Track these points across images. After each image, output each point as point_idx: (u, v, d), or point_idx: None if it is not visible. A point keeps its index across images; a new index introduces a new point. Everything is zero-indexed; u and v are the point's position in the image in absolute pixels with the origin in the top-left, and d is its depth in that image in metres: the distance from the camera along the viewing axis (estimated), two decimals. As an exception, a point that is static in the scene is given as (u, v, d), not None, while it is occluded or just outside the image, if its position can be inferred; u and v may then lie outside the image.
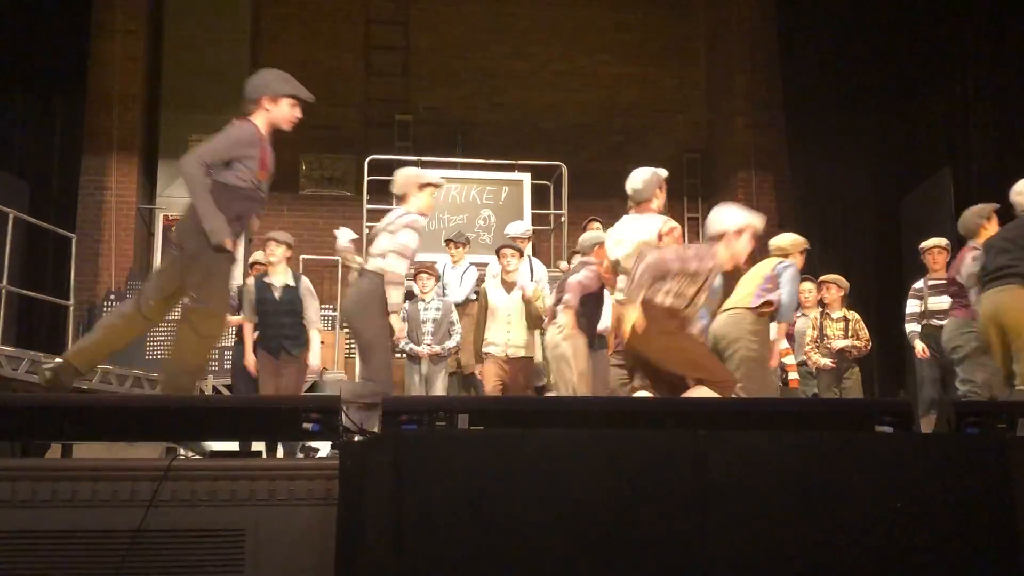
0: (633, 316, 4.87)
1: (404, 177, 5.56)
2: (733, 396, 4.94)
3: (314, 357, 6.84)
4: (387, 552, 2.80)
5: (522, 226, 8.27)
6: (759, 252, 6.72)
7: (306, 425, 3.27)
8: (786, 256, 6.16)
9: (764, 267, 6.09)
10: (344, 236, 5.96)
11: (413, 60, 12.04)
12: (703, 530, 2.90)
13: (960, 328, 6.16)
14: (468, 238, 8.60)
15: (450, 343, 7.53)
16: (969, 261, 5.99)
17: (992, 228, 6.08)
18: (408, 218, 5.37)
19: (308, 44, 11.94)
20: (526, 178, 10.49)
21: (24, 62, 9.84)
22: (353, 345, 9.94)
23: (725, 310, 5.91)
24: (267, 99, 4.50)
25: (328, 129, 11.45)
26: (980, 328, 5.77)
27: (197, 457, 4.04)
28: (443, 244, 8.63)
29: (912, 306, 7.29)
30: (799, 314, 7.78)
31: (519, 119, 12.03)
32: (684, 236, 11.29)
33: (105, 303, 10.03)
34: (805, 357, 7.79)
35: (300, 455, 5.71)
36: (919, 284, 7.34)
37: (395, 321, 5.28)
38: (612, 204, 11.69)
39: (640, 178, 5.66)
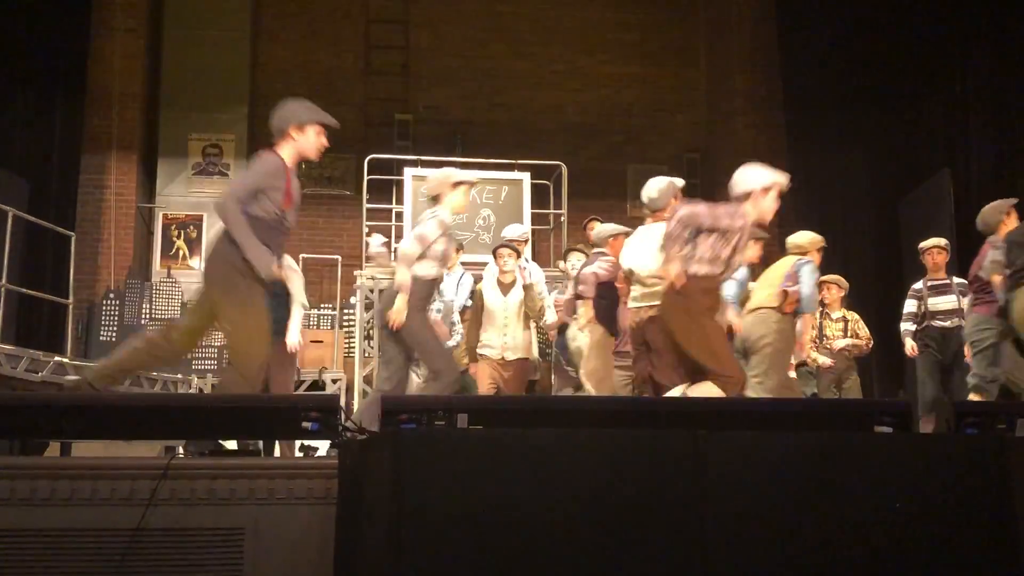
0: (673, 271, 4.86)
1: (436, 178, 5.56)
2: (736, 394, 4.95)
3: (292, 335, 6.40)
4: (386, 551, 2.80)
5: (519, 229, 8.26)
6: (777, 252, 6.79)
7: (305, 424, 3.27)
8: (804, 254, 6.34)
9: (783, 266, 6.24)
10: (376, 241, 5.97)
11: (413, 59, 12.04)
12: (702, 530, 2.90)
13: (980, 324, 6.21)
14: (461, 243, 8.55)
15: (451, 343, 7.48)
16: (991, 254, 6.04)
17: (1012, 223, 6.14)
18: (433, 213, 5.42)
19: (308, 43, 11.95)
20: (526, 178, 10.48)
21: (24, 60, 9.84)
22: (352, 345, 9.96)
23: (750, 310, 6.00)
24: (294, 128, 4.57)
25: (327, 128, 11.43)
26: (999, 325, 5.85)
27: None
28: None
29: (909, 306, 7.31)
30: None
31: (519, 119, 12.03)
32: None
33: (104, 301, 10.04)
34: (805, 357, 7.80)
35: (299, 454, 5.72)
36: (918, 285, 7.35)
37: (399, 300, 5.25)
38: (612, 204, 11.75)
39: (656, 187, 5.68)
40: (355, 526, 3.03)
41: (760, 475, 2.99)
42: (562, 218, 10.61)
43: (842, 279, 8.05)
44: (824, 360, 7.71)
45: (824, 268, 8.76)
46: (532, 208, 10.36)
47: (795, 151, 10.76)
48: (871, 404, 5.02)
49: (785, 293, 6.02)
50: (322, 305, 10.52)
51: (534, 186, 10.48)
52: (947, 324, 7.11)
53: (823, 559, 2.96)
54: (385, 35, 12.07)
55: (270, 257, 4.35)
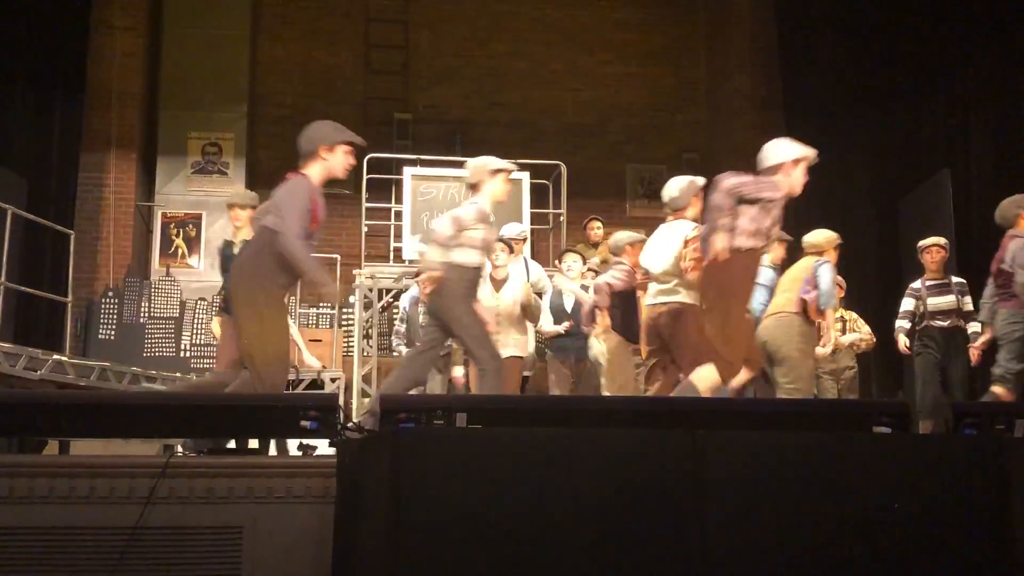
0: (719, 244, 4.87)
1: (476, 166, 5.54)
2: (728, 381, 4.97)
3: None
4: (384, 550, 2.79)
5: (517, 227, 8.25)
6: (796, 253, 6.82)
7: (304, 423, 3.27)
8: (821, 253, 6.42)
9: (802, 269, 6.26)
10: (424, 245, 6.00)
11: (412, 59, 12.04)
12: (701, 530, 2.90)
13: (1011, 317, 6.23)
14: None
15: (448, 341, 7.44)
16: (1014, 247, 6.08)
17: None
18: (473, 201, 5.43)
19: (308, 42, 11.94)
20: (525, 177, 10.46)
21: (23, 58, 9.82)
22: (351, 344, 9.96)
23: (771, 314, 6.02)
24: (324, 149, 4.70)
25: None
26: None
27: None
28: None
29: (906, 304, 7.31)
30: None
31: (518, 118, 12.03)
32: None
33: (103, 300, 10.03)
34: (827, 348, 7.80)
35: (298, 452, 5.71)
36: (916, 284, 7.34)
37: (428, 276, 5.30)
38: (611, 203, 11.77)
39: (677, 186, 5.67)
40: (353, 525, 3.03)
41: (759, 475, 2.99)
42: (561, 218, 10.61)
43: (840, 279, 8.05)
44: (823, 350, 7.70)
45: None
46: (531, 208, 10.35)
47: (794, 151, 10.75)
48: (870, 404, 5.03)
49: (804, 302, 6.07)
50: (321, 304, 10.51)
51: (533, 185, 10.48)
52: (946, 324, 7.11)
53: (822, 559, 2.96)
54: (385, 34, 12.07)
55: (325, 273, 4.68)
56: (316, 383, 9.00)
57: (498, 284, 7.04)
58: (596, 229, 8.99)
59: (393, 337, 8.40)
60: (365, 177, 10.25)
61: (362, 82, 11.89)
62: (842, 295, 8.02)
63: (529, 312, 7.05)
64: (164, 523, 3.17)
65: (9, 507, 3.15)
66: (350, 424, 3.40)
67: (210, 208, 10.83)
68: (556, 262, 7.97)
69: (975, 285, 7.41)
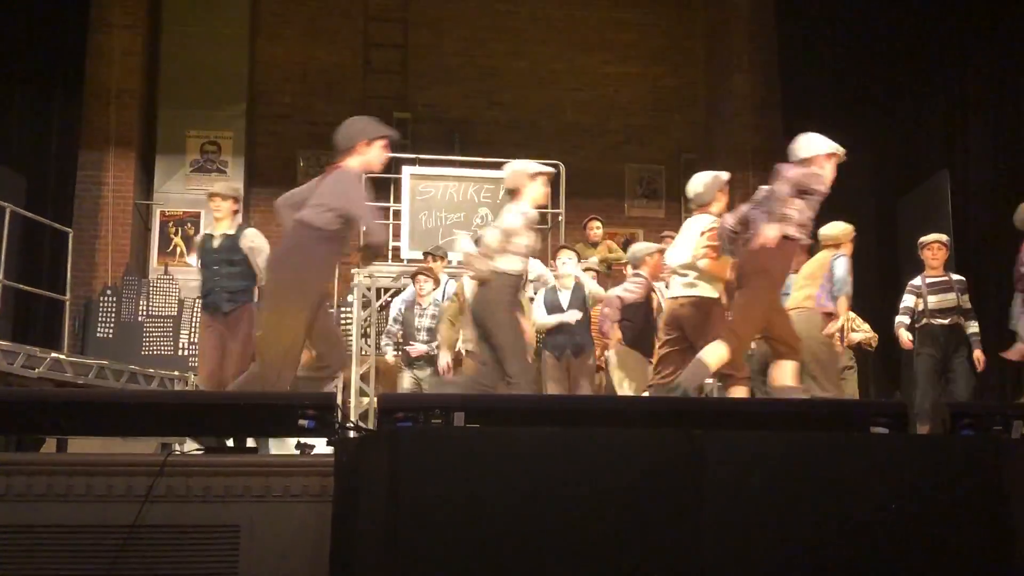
0: (771, 233, 4.91)
1: (514, 170, 5.52)
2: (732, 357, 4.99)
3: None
4: (382, 549, 2.80)
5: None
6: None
7: (302, 421, 3.27)
8: (838, 246, 6.43)
9: (819, 264, 6.28)
10: (466, 243, 5.96)
11: (412, 58, 12.03)
12: (698, 529, 2.91)
13: None
14: (446, 252, 8.50)
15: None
16: None
17: None
18: (518, 208, 5.39)
19: (307, 41, 11.93)
20: (524, 176, 10.47)
21: (22, 56, 9.82)
22: (349, 343, 9.95)
23: (790, 309, 6.03)
24: (363, 144, 4.88)
25: (326, 126, 11.37)
26: None
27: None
28: (423, 255, 8.49)
29: (907, 301, 7.28)
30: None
31: (517, 117, 12.03)
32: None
33: (101, 298, 10.03)
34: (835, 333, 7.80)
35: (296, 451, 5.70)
36: (916, 281, 7.31)
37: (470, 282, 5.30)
38: (610, 203, 11.77)
39: (701, 182, 5.66)
40: (351, 524, 3.03)
41: (755, 475, 2.99)
42: (560, 217, 10.60)
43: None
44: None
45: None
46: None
47: (793, 152, 10.75)
48: (867, 405, 5.04)
49: (830, 314, 6.11)
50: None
51: (532, 185, 10.46)
52: (946, 322, 7.09)
53: (818, 559, 2.97)
54: (384, 33, 12.06)
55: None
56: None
57: None
58: (595, 229, 9.00)
59: (383, 337, 8.39)
60: (364, 176, 10.24)
61: (361, 81, 11.88)
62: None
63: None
64: (161, 521, 3.17)
65: (6, 505, 3.15)
66: (348, 423, 3.40)
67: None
68: (552, 260, 7.97)
69: (972, 285, 7.42)
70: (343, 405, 8.59)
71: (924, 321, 7.16)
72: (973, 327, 7.12)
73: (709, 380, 6.12)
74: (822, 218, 7.57)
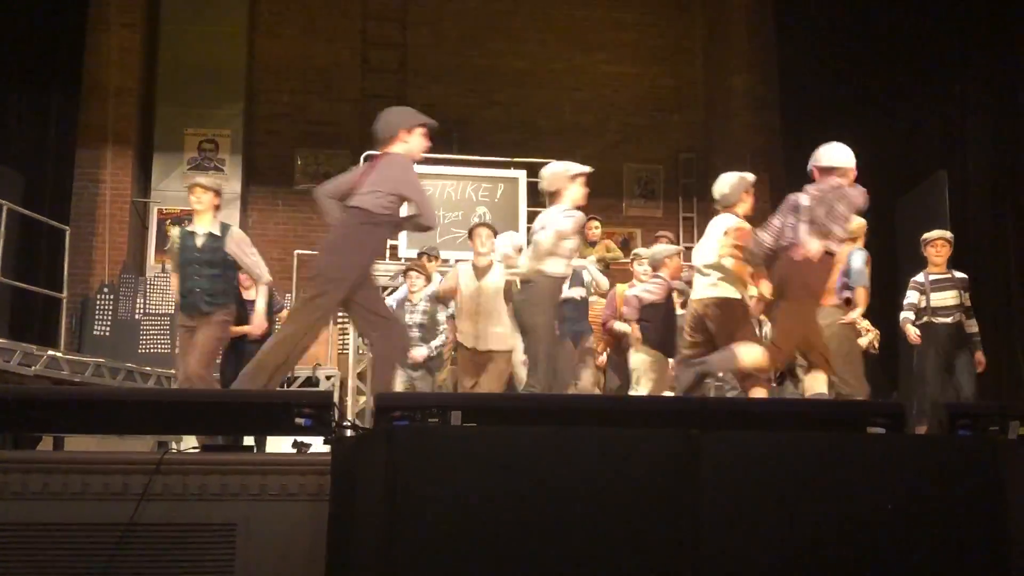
0: (814, 247, 4.97)
1: (553, 172, 5.53)
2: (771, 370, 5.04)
3: (256, 316, 6.28)
4: (378, 548, 2.79)
5: (514, 238, 8.13)
6: None
7: (299, 420, 3.26)
8: (853, 240, 6.38)
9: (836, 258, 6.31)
10: (507, 241, 5.99)
11: (410, 56, 12.03)
12: (695, 529, 2.90)
13: None
14: (439, 252, 8.49)
15: (436, 341, 7.38)
16: None
17: None
18: (565, 211, 5.47)
19: (305, 39, 11.93)
20: (522, 175, 10.48)
21: (20, 54, 9.81)
22: (346, 341, 9.95)
23: None
24: (404, 132, 4.97)
25: (324, 124, 11.45)
26: None
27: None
28: (418, 255, 8.49)
29: (911, 297, 7.26)
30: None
31: (515, 117, 12.03)
32: (679, 237, 11.33)
33: (98, 296, 10.02)
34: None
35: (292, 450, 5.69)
36: (919, 278, 7.29)
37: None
38: (608, 203, 11.76)
39: (727, 182, 5.66)
40: (347, 522, 3.03)
41: (753, 475, 2.99)
42: (558, 216, 10.60)
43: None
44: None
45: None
46: (528, 206, 10.36)
47: (791, 152, 10.75)
48: (864, 405, 5.04)
49: (848, 300, 6.12)
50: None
51: (530, 184, 10.47)
52: (949, 320, 7.09)
53: (815, 559, 2.96)
54: (382, 32, 12.06)
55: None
56: (311, 380, 9.00)
57: (481, 272, 6.72)
58: (594, 228, 9.00)
59: None
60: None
61: (359, 80, 11.88)
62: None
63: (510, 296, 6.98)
64: (158, 520, 3.16)
65: (3, 503, 3.14)
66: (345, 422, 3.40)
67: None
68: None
69: (970, 285, 7.41)
70: (340, 404, 8.59)
71: (926, 319, 7.15)
72: (973, 327, 7.12)
73: (708, 380, 6.14)
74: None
